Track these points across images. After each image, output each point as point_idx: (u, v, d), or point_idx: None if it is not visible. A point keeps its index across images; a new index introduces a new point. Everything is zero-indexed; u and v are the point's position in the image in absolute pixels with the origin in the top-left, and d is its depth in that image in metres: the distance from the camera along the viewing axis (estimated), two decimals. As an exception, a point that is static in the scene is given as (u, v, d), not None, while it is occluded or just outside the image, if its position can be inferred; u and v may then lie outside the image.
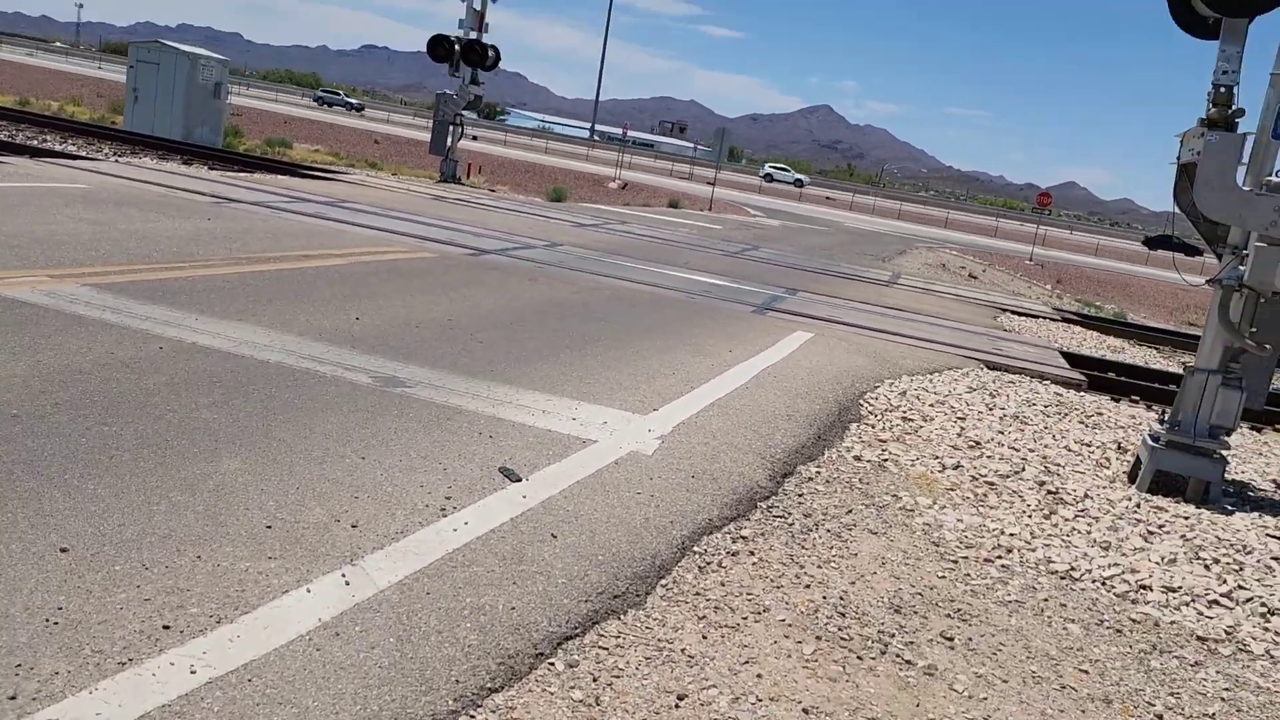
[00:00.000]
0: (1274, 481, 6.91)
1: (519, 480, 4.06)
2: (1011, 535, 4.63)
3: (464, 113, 23.02)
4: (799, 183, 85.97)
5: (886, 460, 5.47)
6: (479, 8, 22.85)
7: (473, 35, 22.77)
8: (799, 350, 8.10)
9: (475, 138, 66.72)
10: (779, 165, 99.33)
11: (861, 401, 6.74)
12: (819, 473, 5.03)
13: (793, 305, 11.08)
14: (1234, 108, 6.17)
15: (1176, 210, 6.85)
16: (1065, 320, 15.20)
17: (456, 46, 22.61)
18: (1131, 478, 6.42)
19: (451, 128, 23.06)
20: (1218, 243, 6.61)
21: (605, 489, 4.17)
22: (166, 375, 4.59)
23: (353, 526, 3.35)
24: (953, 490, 5.13)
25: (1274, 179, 5.99)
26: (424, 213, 14.25)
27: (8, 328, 4.87)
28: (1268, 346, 6.22)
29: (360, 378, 5.09)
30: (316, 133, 41.04)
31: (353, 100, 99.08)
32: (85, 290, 5.87)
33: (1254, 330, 6.33)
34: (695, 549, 3.80)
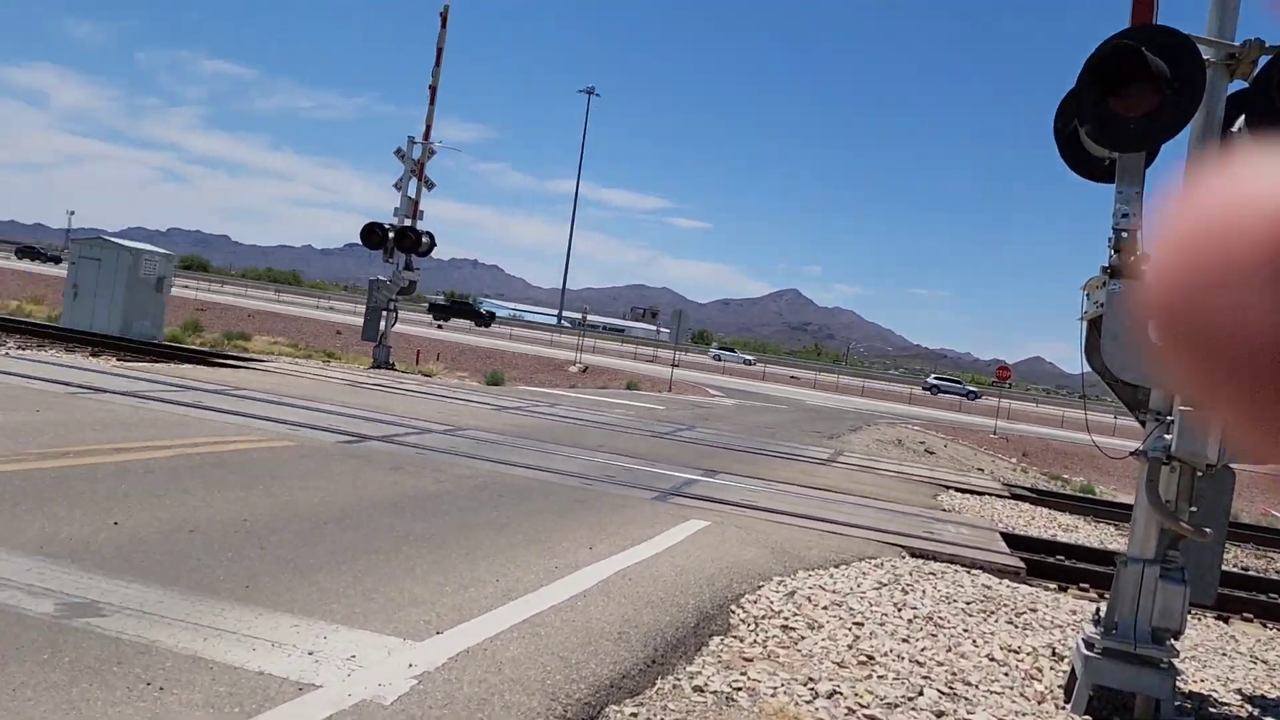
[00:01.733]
0: (1239, 692, 5.72)
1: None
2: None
3: (396, 298, 22.48)
4: (747, 361, 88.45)
5: (739, 690, 4.29)
6: (413, 195, 22.71)
7: (407, 222, 22.52)
8: (681, 544, 6.97)
9: (441, 326, 67.11)
10: (725, 346, 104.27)
11: (735, 607, 5.58)
12: (633, 716, 3.84)
13: (703, 490, 10.00)
14: (1139, 253, 5.37)
15: (1088, 371, 5.95)
16: (1015, 497, 14.13)
17: (390, 233, 22.32)
18: (1067, 695, 5.24)
19: (385, 313, 22.47)
20: (1139, 408, 5.67)
21: (288, 765, 2.98)
22: None
23: None
24: (812, 733, 3.94)
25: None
26: (322, 399, 13.28)
27: None
28: (1208, 530, 5.18)
29: (40, 605, 3.93)
30: (281, 326, 40.64)
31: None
32: None
33: (1193, 510, 5.32)
34: None
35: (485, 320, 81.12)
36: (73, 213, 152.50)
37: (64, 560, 4.57)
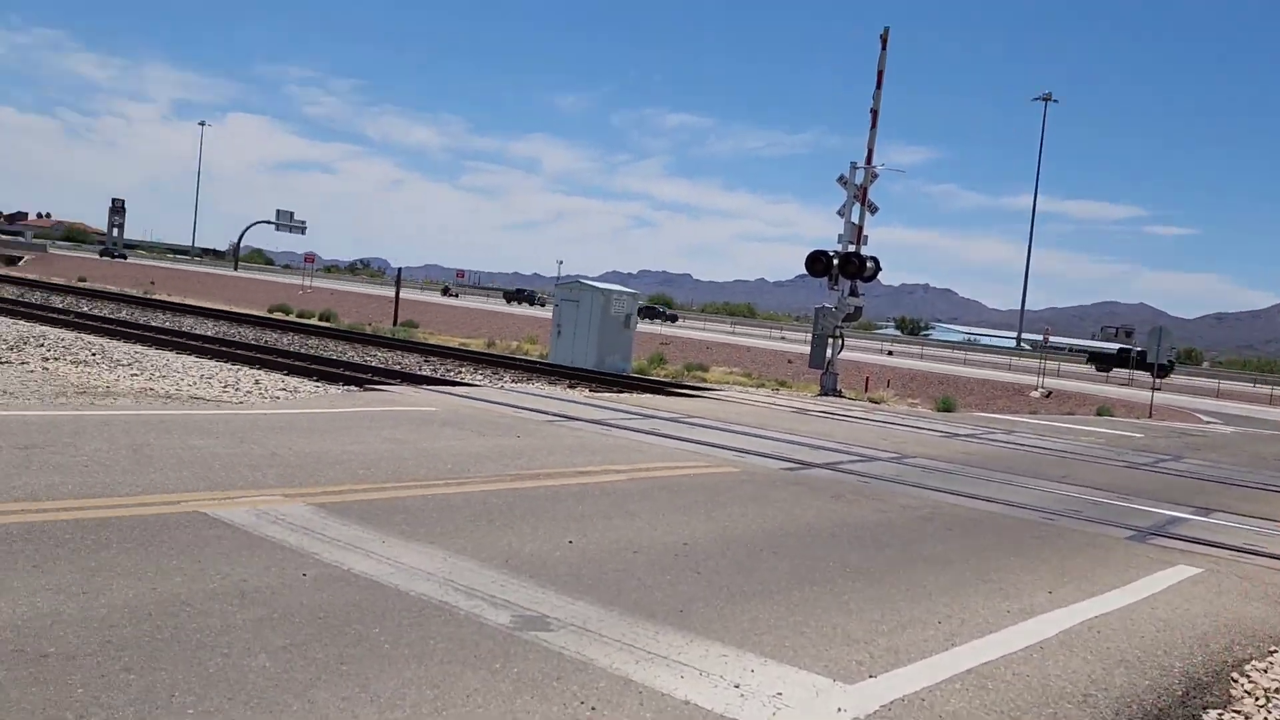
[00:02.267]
0: None
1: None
2: None
3: (842, 325, 22.42)
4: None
5: (1247, 783, 3.47)
6: (856, 220, 22.58)
7: (850, 248, 22.43)
8: (1164, 593, 5.96)
9: (890, 353, 66.18)
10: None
11: (1237, 676, 4.60)
12: (1102, 800, 3.23)
13: (1193, 530, 8.59)
14: None
15: None
16: None
17: (834, 260, 22.36)
18: None
19: (831, 340, 22.52)
20: None
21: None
22: (272, 609, 4.07)
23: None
24: None
25: None
26: (769, 427, 13.50)
27: (169, 547, 4.71)
28: None
29: (499, 617, 4.24)
30: (736, 356, 42.66)
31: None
32: (299, 509, 5.72)
33: None
34: None
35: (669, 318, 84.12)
36: (561, 261, 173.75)
37: (523, 574, 4.93)
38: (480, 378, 19.53)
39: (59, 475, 5.93)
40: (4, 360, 13.02)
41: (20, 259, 73.03)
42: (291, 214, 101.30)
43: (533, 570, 5.03)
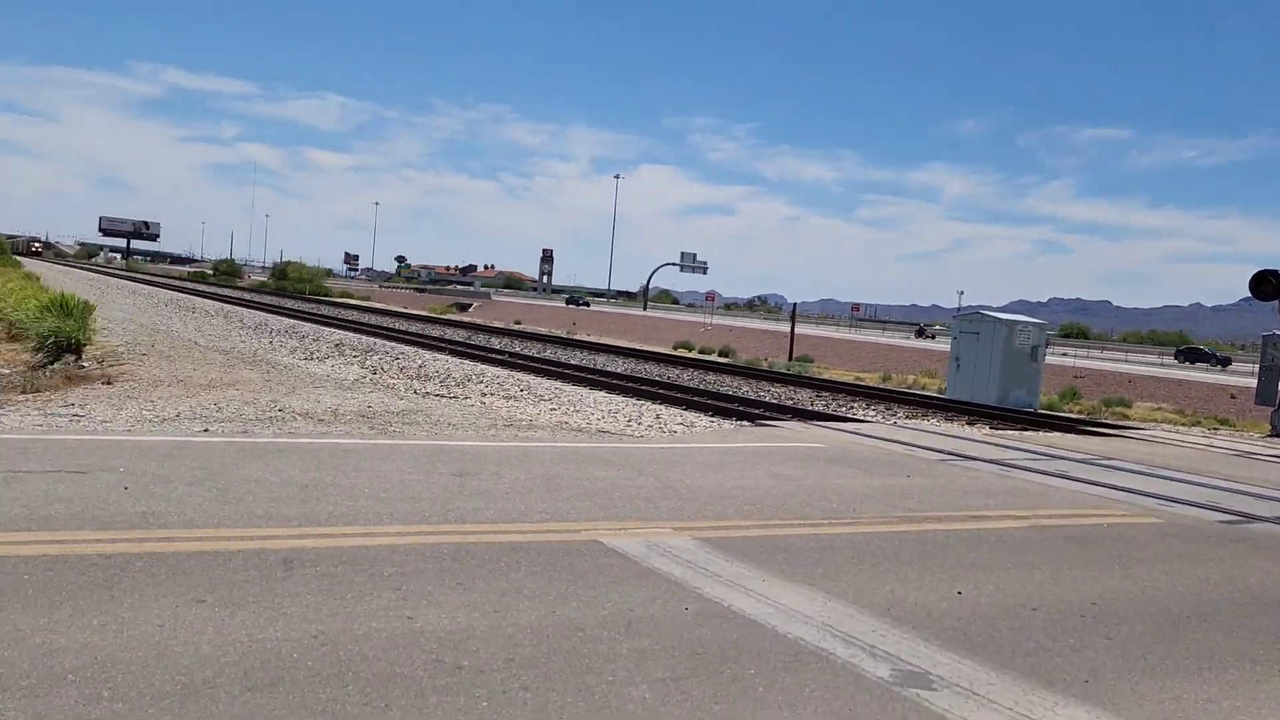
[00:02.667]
0: None
1: None
2: None
3: (1300, 354, 19.21)
4: None
5: None
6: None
7: (1309, 264, 19.22)
8: None
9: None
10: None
11: None
12: None
13: None
14: None
15: None
16: None
17: (1287, 279, 19.29)
18: None
19: (1285, 372, 19.39)
20: None
21: None
22: (654, 640, 4.22)
23: None
24: None
25: None
26: (1203, 472, 11.88)
27: (568, 573, 5.06)
28: None
29: (877, 669, 4.06)
30: (1164, 391, 38.34)
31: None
32: (685, 543, 5.92)
33: None
34: None
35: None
36: (962, 292, 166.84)
37: (906, 625, 4.70)
38: (872, 413, 19.20)
39: (483, 501, 6.64)
40: (453, 395, 14.94)
41: (470, 305, 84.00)
42: (694, 255, 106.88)
43: (916, 621, 4.78)
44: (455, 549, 5.36)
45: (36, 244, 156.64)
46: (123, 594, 4.22)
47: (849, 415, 17.75)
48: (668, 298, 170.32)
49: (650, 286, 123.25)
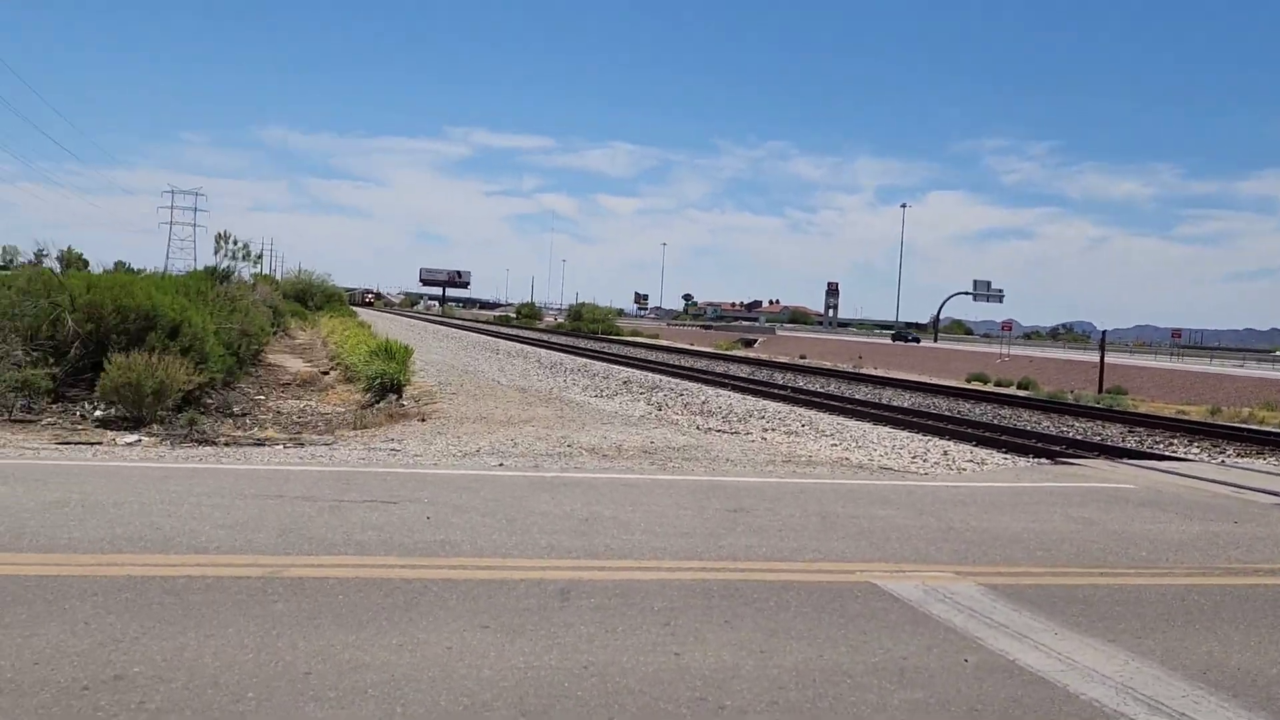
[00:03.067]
0: None
1: None
2: None
3: None
4: None
5: None
6: None
7: None
8: None
9: None
10: None
11: None
12: None
13: None
14: None
15: None
16: None
17: None
18: None
19: None
20: None
21: None
22: (929, 693, 4.00)
23: None
24: None
25: None
26: None
27: (838, 615, 4.92)
28: None
29: (1187, 741, 3.62)
30: None
31: None
32: (968, 589, 5.58)
33: None
34: None
35: None
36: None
37: (1224, 691, 4.16)
38: (1195, 451, 17.29)
39: (756, 538, 6.62)
40: (734, 431, 15.09)
41: (755, 341, 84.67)
42: (988, 283, 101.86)
43: (1238, 688, 4.22)
44: (725, 586, 5.37)
45: (369, 295, 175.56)
46: (419, 616, 4.58)
47: (1166, 453, 16.11)
48: (960, 328, 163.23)
49: (941, 317, 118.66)
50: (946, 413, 22.07)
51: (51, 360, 13.67)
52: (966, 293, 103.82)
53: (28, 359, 13.33)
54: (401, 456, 10.21)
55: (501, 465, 9.59)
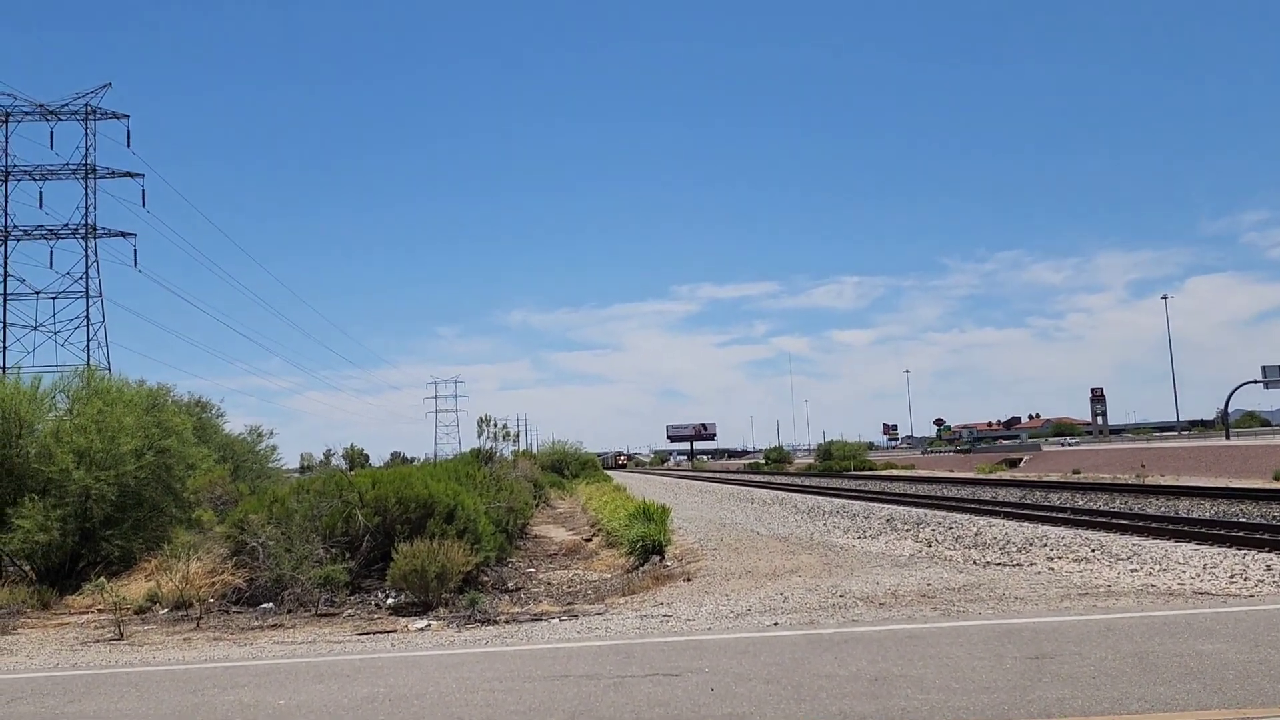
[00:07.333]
0: None
1: None
2: None
3: None
4: None
5: None
6: None
7: None
8: None
9: None
10: None
11: None
12: None
13: None
14: None
15: None
16: None
17: None
18: None
19: None
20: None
21: None
22: None
23: None
24: None
25: None
26: None
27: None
28: None
29: None
30: None
31: None
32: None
33: None
34: None
35: None
36: None
37: None
38: None
39: (1068, 688, 6.03)
40: (1015, 563, 14.07)
41: (1019, 460, 79.71)
42: (1279, 367, 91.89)
43: None
44: (1043, 748, 4.89)
45: (621, 457, 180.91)
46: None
47: None
48: (1255, 420, 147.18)
49: (1230, 410, 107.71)
50: (1260, 520, 19.68)
51: (347, 554, 14.86)
52: (1256, 381, 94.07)
53: (327, 555, 14.56)
54: (675, 623, 10.19)
55: (776, 625, 9.36)
